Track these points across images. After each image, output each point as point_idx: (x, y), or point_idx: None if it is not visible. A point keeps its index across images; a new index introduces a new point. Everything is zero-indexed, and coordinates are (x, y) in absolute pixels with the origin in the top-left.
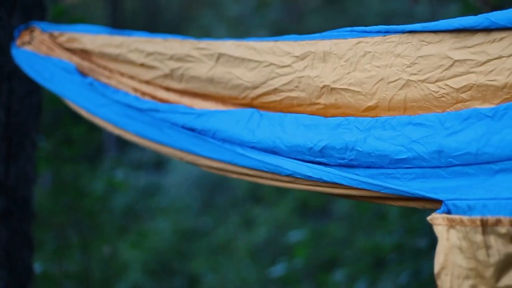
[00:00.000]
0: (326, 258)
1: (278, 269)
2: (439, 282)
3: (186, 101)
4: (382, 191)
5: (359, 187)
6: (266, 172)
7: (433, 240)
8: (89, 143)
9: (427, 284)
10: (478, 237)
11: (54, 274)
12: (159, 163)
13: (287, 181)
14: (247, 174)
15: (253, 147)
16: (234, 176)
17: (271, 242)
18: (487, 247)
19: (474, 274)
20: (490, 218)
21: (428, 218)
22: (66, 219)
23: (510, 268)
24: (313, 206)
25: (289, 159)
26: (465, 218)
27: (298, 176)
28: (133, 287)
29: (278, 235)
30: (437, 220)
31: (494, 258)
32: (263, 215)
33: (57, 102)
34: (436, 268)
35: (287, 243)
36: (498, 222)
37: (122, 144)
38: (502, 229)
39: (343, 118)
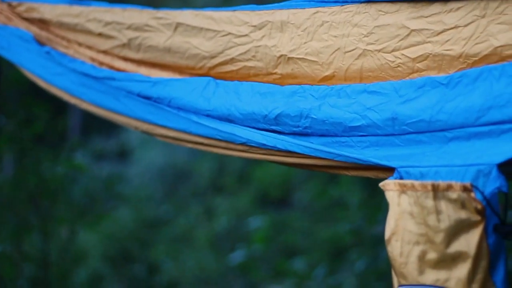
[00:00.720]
0: (285, 246)
1: (237, 256)
2: (389, 248)
3: (144, 71)
4: (335, 159)
5: (313, 155)
6: (221, 140)
7: None
8: (53, 126)
9: (384, 271)
10: (429, 202)
11: (12, 255)
12: (123, 153)
13: (241, 150)
14: (201, 143)
15: (208, 115)
16: (189, 145)
17: (231, 231)
18: (438, 212)
19: (425, 240)
20: (442, 183)
21: (380, 184)
22: (27, 204)
23: (460, 233)
24: (274, 197)
25: (243, 127)
26: (416, 183)
27: (252, 145)
28: (92, 274)
29: (238, 224)
30: (389, 185)
31: (445, 223)
32: (224, 205)
33: (19, 82)
34: (387, 234)
35: (247, 232)
36: (449, 187)
37: (86, 133)
38: (453, 195)
39: (299, 86)
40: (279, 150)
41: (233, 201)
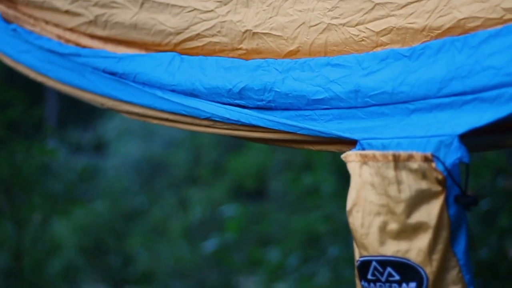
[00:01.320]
0: (259, 236)
1: (210, 244)
2: (350, 219)
3: (110, 48)
4: (298, 132)
5: (276, 128)
6: (185, 116)
7: None
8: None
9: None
10: (390, 173)
11: None
12: (99, 145)
13: (206, 125)
14: (167, 119)
15: (173, 90)
16: (155, 121)
17: (205, 222)
18: (399, 182)
19: (386, 211)
20: (403, 153)
21: (342, 156)
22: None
23: (421, 204)
24: (249, 187)
25: (208, 102)
26: (377, 153)
27: (217, 119)
28: (67, 264)
29: (213, 215)
30: (350, 156)
31: (405, 194)
32: (198, 196)
33: None
34: (348, 205)
35: (221, 221)
36: (410, 157)
37: (63, 126)
38: (414, 165)
39: (263, 60)
40: (243, 125)
41: (208, 192)
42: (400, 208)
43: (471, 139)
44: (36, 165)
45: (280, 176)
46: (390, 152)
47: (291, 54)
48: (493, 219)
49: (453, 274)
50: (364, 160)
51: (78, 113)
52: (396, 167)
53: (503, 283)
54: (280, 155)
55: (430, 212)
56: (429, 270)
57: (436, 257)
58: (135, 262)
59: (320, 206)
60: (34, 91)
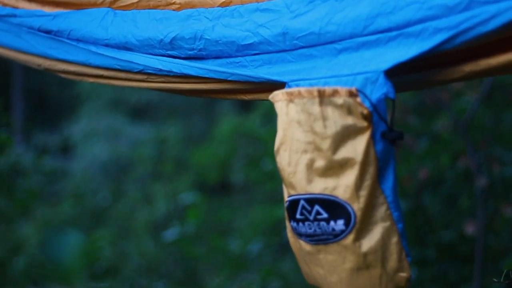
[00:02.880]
0: (221, 225)
1: (171, 233)
2: (278, 159)
3: (47, 9)
4: (229, 79)
5: (207, 76)
6: (120, 70)
7: None
8: None
9: None
10: (316, 109)
11: None
12: (66, 148)
13: (140, 79)
14: (102, 76)
15: (106, 45)
16: (91, 80)
17: (170, 216)
18: (324, 118)
19: (312, 148)
20: (327, 88)
21: (269, 97)
22: None
23: (347, 140)
24: (212, 181)
25: (140, 54)
26: (303, 89)
27: (150, 71)
28: (31, 261)
29: (176, 209)
30: (277, 96)
31: (331, 129)
32: (162, 191)
33: None
34: (276, 145)
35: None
36: (335, 93)
37: (29, 129)
38: (339, 100)
39: (194, 9)
40: (175, 76)
41: (172, 186)
42: (326, 144)
43: (399, 77)
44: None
45: (242, 169)
46: (315, 88)
47: (224, 5)
48: (454, 202)
49: (381, 211)
50: (290, 98)
51: (45, 115)
52: (321, 103)
53: (463, 264)
54: (243, 148)
55: (356, 148)
56: (357, 207)
57: (364, 193)
58: (100, 258)
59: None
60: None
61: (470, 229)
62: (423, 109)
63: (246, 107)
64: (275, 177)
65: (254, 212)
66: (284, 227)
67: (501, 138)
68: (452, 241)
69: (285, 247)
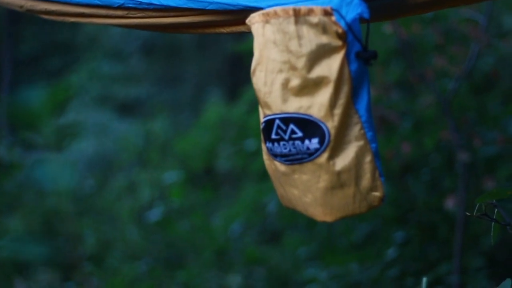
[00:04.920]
0: (203, 202)
1: (155, 213)
2: (254, 80)
3: None
4: (208, 8)
5: (186, 6)
6: (100, 6)
7: None
8: None
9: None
10: (291, 27)
11: None
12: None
13: (120, 15)
14: (83, 14)
15: None
16: (72, 19)
17: (154, 203)
18: (299, 37)
19: (287, 67)
20: (303, 7)
21: (246, 20)
22: None
23: (322, 58)
24: (197, 168)
25: None
26: (278, 9)
27: (130, 5)
28: (15, 247)
29: (161, 196)
30: (254, 18)
31: (306, 48)
32: (147, 179)
33: None
34: (252, 66)
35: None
36: (310, 11)
37: (15, 125)
38: (314, 19)
39: None
40: (155, 9)
41: (157, 175)
42: (301, 63)
43: (374, 2)
44: None
45: (228, 156)
46: (290, 7)
47: None
48: (437, 182)
49: (355, 130)
50: (267, 19)
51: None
52: (297, 22)
53: (444, 244)
54: (229, 136)
55: (331, 66)
56: (331, 125)
57: (338, 112)
58: (84, 244)
59: (265, 173)
60: None
61: (450, 203)
62: (406, 86)
63: (233, 96)
64: (258, 158)
65: (238, 194)
66: (267, 214)
67: (483, 117)
68: (434, 221)
69: (268, 231)
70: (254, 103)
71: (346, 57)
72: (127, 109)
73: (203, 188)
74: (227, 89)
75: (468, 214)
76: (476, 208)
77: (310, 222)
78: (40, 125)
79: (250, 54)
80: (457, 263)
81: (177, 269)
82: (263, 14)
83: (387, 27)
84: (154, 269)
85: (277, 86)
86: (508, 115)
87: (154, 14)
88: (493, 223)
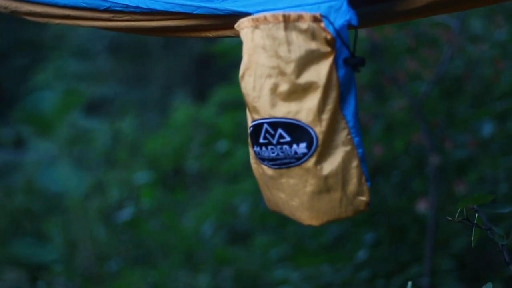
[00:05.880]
0: (173, 202)
1: (125, 214)
2: (242, 84)
3: None
4: (195, 12)
5: (173, 10)
6: (86, 9)
7: None
8: None
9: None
10: (280, 33)
11: None
12: (19, 141)
13: (106, 18)
14: (68, 16)
15: None
16: (57, 21)
17: (123, 202)
18: (289, 43)
19: (276, 72)
20: (292, 13)
21: (235, 25)
22: None
23: (311, 64)
24: (166, 167)
25: None
26: (268, 14)
27: (116, 8)
28: None
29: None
30: (243, 23)
31: (295, 53)
32: (116, 179)
33: None
34: (241, 71)
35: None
36: (299, 17)
37: None
38: (304, 25)
39: None
40: (142, 13)
41: (126, 175)
42: (290, 68)
43: (362, 9)
44: None
45: (197, 156)
46: (280, 13)
47: None
48: (407, 184)
49: (342, 135)
50: (256, 24)
51: None
52: (286, 28)
53: (414, 245)
54: (198, 136)
55: (319, 72)
56: (319, 130)
57: (326, 117)
58: (52, 243)
59: (236, 175)
60: None
61: (422, 205)
62: (379, 88)
63: (201, 97)
64: (229, 159)
65: (208, 195)
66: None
67: (453, 120)
68: (404, 223)
69: (238, 232)
70: (224, 104)
71: (334, 63)
72: (93, 108)
73: (172, 188)
74: (194, 89)
75: (449, 218)
76: (458, 213)
77: (280, 224)
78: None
79: (222, 55)
80: (429, 265)
81: (147, 269)
82: (252, 19)
83: (360, 30)
84: (123, 269)
85: (266, 91)
86: (477, 118)
87: (140, 17)
88: (473, 227)
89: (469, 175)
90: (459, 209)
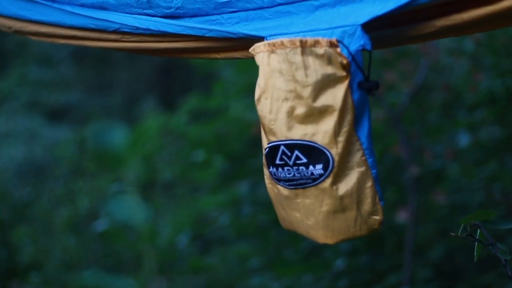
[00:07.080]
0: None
1: (101, 224)
2: (259, 107)
3: None
4: (206, 35)
5: (184, 33)
6: (94, 30)
7: None
8: None
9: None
10: (297, 58)
11: None
12: None
13: (114, 39)
14: (75, 37)
15: (82, 5)
16: (62, 41)
17: (93, 212)
18: (306, 67)
19: (293, 96)
20: (309, 39)
21: (250, 49)
22: None
23: (327, 88)
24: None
25: (117, 13)
26: (285, 40)
27: (125, 30)
28: None
29: (100, 205)
30: (259, 48)
31: (312, 78)
32: (85, 188)
33: None
34: (257, 94)
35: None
36: (316, 43)
37: None
38: (320, 50)
39: None
40: (151, 35)
41: (95, 184)
42: (307, 92)
43: (374, 33)
44: None
45: (168, 166)
46: (297, 38)
47: None
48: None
49: (357, 156)
50: (272, 49)
51: None
52: (303, 53)
53: (392, 254)
54: (169, 146)
55: (335, 96)
56: (335, 152)
57: (341, 139)
58: (21, 253)
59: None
60: None
61: (403, 215)
62: None
63: (170, 106)
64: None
65: (181, 204)
66: (209, 224)
67: (430, 131)
68: (381, 232)
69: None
70: (194, 113)
71: (350, 86)
72: (56, 115)
73: (145, 197)
74: (159, 97)
75: (452, 234)
76: (461, 229)
77: (258, 233)
78: None
79: (201, 66)
80: (408, 274)
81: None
82: (268, 44)
83: None
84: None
85: (283, 114)
86: (452, 129)
87: (149, 39)
88: (476, 243)
89: (446, 184)
90: (462, 225)
